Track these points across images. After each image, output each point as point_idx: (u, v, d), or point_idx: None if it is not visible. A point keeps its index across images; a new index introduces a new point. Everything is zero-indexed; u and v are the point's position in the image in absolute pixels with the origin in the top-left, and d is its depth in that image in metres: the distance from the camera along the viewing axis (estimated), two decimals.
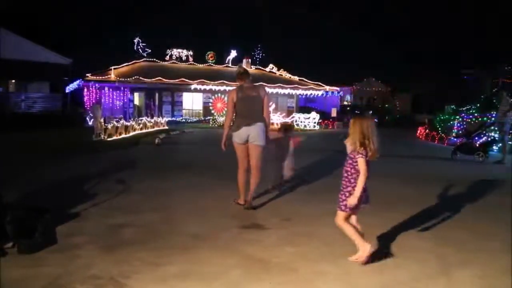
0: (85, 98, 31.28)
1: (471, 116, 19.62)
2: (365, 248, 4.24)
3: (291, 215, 5.97)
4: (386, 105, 46.27)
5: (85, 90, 31.12)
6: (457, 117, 20.66)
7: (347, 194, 4.27)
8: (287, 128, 8.54)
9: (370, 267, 4.22)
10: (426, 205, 6.90)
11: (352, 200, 4.19)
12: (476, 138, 14.84)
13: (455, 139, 18.63)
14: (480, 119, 18.56)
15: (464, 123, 19.64)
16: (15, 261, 4.18)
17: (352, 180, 4.28)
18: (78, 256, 4.35)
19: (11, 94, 31.70)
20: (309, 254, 4.56)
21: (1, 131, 19.22)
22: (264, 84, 34.52)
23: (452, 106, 25.93)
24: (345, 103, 45.63)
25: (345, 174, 4.35)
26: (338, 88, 39.42)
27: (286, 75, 39.17)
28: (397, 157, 13.21)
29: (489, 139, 14.70)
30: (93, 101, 29.07)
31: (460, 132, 19.07)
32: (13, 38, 31.45)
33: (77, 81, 30.77)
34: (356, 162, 4.25)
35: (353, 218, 4.47)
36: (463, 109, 21.66)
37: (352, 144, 4.29)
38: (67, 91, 33.51)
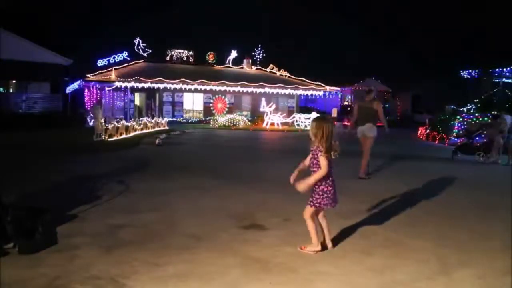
0: (86, 99, 31.30)
1: (471, 116, 19.63)
2: (314, 247, 4.62)
3: (290, 216, 5.97)
4: (387, 105, 46.23)
5: (86, 90, 31.13)
6: (458, 117, 20.66)
7: (320, 192, 4.57)
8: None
9: (370, 267, 4.23)
10: (424, 205, 6.91)
11: (302, 186, 4.52)
12: (477, 138, 14.84)
13: (455, 139, 18.64)
14: (480, 119, 18.57)
15: (465, 123, 19.65)
16: (16, 261, 4.18)
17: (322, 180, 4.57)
18: (78, 256, 4.35)
19: (12, 95, 31.71)
20: (309, 254, 4.56)
21: (2, 131, 19.23)
22: (264, 84, 34.69)
23: (452, 106, 25.94)
24: (346, 103, 45.58)
25: (313, 173, 4.61)
26: (338, 88, 39.41)
27: (286, 75, 39.18)
28: (398, 158, 13.21)
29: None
30: (94, 101, 29.10)
31: (461, 132, 19.08)
32: (14, 39, 31.46)
33: (78, 82, 30.77)
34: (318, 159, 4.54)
35: (320, 215, 4.76)
36: (464, 109, 21.66)
37: (317, 143, 4.56)
38: (67, 91, 33.51)
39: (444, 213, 6.43)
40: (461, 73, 31.23)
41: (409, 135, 23.56)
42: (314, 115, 30.85)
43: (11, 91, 32.90)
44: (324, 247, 4.69)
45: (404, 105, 45.08)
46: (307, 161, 4.68)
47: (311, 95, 38.50)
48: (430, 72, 45.20)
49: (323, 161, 4.50)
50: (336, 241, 4.98)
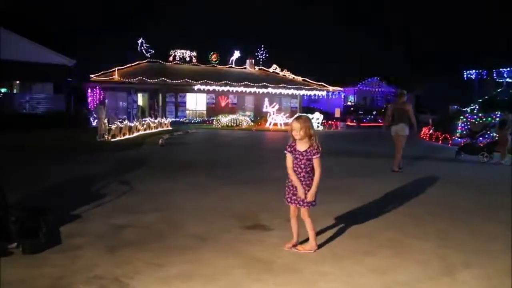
0: (89, 99, 31.36)
1: (475, 116, 19.58)
2: (313, 246, 4.64)
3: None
4: (389, 106, 46.24)
5: (89, 90, 31.19)
6: (461, 117, 20.60)
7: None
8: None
9: (373, 268, 4.22)
10: (427, 205, 6.90)
11: (312, 196, 4.56)
12: (480, 138, 14.80)
13: (459, 140, 18.59)
14: (484, 119, 18.52)
15: (468, 123, 19.59)
16: (19, 261, 4.19)
17: (312, 177, 4.59)
18: (81, 256, 4.36)
19: (16, 95, 31.79)
20: (312, 255, 4.56)
21: (6, 132, 19.30)
22: (267, 84, 34.70)
23: (455, 107, 25.88)
24: (349, 103, 45.55)
25: (307, 174, 4.57)
26: (341, 89, 39.39)
27: (289, 75, 39.19)
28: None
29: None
30: (97, 101, 29.14)
31: (464, 132, 19.03)
32: (17, 40, 31.53)
33: (81, 82, 30.85)
34: (311, 159, 4.54)
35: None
36: (467, 109, 21.61)
37: (308, 142, 4.56)
38: (70, 92, 33.58)
39: (446, 214, 6.41)
40: (464, 73, 31.17)
41: (412, 135, 23.49)
42: (317, 115, 30.88)
43: (15, 91, 32.96)
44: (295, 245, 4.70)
45: None
46: (291, 163, 4.61)
47: (314, 95, 38.52)
48: (433, 72, 45.14)
49: (319, 162, 4.54)
50: (338, 241, 4.98)
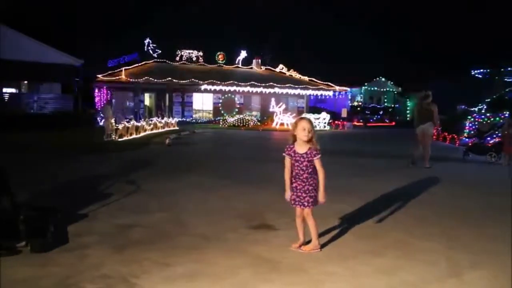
0: (96, 99, 31.50)
1: (483, 116, 19.46)
2: (316, 246, 4.64)
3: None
4: (397, 105, 46.04)
5: (96, 90, 31.33)
6: (469, 117, 20.49)
7: (315, 191, 4.59)
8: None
9: (379, 268, 4.21)
10: (433, 206, 6.87)
11: (324, 199, 4.60)
12: (488, 138, 14.71)
13: (466, 140, 18.48)
14: (492, 119, 18.40)
15: (476, 123, 19.48)
16: (28, 260, 4.23)
17: (316, 177, 4.58)
18: (89, 255, 4.39)
19: (24, 95, 31.99)
20: (318, 255, 4.55)
21: (14, 132, 19.44)
22: (274, 84, 34.70)
23: (463, 106, 25.74)
24: (356, 103, 45.43)
25: (309, 175, 4.56)
26: (348, 89, 39.31)
27: (296, 75, 39.16)
28: (408, 157, 13.16)
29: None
30: (104, 101, 29.27)
31: (472, 132, 18.91)
32: (25, 40, 31.73)
33: (88, 82, 30.99)
34: (313, 161, 4.54)
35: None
36: (475, 109, 21.48)
37: (308, 144, 4.54)
38: (78, 91, 33.75)
39: (453, 214, 6.38)
40: (473, 72, 30.97)
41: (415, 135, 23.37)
42: (324, 115, 30.83)
43: (23, 91, 33.17)
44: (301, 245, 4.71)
45: (414, 105, 44.84)
46: (289, 166, 4.61)
47: (321, 95, 38.46)
48: (441, 72, 44.90)
49: (321, 162, 4.56)
50: (344, 242, 4.97)
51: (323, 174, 4.55)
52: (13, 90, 32.56)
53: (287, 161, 4.62)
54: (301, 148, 4.55)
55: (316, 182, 4.57)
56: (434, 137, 22.01)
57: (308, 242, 4.73)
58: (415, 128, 11.50)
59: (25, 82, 33.19)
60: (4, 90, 31.36)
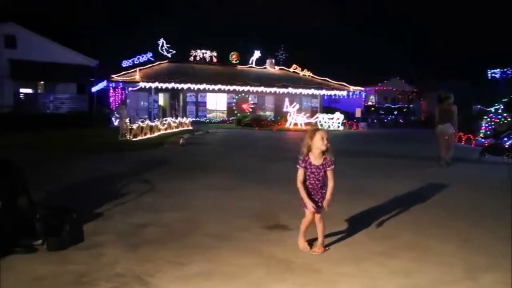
0: (111, 99, 31.76)
1: (499, 116, 19.21)
2: (322, 246, 4.66)
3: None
4: (411, 106, 45.69)
5: (111, 91, 31.59)
6: (485, 117, 20.24)
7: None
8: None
9: (393, 270, 4.18)
10: (448, 207, 6.80)
11: (329, 205, 4.60)
12: (505, 138, 14.51)
13: (483, 140, 18.26)
14: (509, 119, 18.15)
15: (492, 123, 19.24)
16: (44, 258, 4.29)
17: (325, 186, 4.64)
18: (104, 254, 4.43)
19: (40, 95, 32.40)
20: (332, 255, 4.54)
21: (30, 131, 19.69)
22: (287, 84, 34.66)
23: (479, 106, 25.45)
24: (370, 103, 45.18)
25: (323, 184, 4.60)
26: (362, 89, 39.09)
27: (310, 75, 39.06)
28: (422, 158, 13.05)
29: None
30: (119, 101, 29.50)
31: (488, 132, 18.68)
32: (42, 41, 32.17)
33: (103, 82, 31.26)
34: (327, 171, 4.58)
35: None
36: (491, 109, 21.22)
37: (324, 155, 4.57)
38: (93, 92, 34.08)
39: (468, 216, 6.31)
40: (489, 72, 30.63)
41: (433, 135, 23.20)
42: (337, 115, 30.71)
43: (39, 91, 33.58)
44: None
45: (430, 105, 44.40)
46: (302, 178, 4.58)
47: (335, 95, 38.32)
48: (456, 72, 44.47)
49: (333, 173, 4.58)
50: (358, 243, 4.95)
51: (333, 184, 4.57)
52: (29, 91, 32.98)
53: (302, 173, 4.57)
54: (316, 159, 4.54)
55: (326, 190, 4.61)
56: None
57: (312, 241, 4.77)
58: (435, 128, 11.87)
59: (42, 82, 33.60)
60: (21, 90, 31.78)
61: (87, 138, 18.09)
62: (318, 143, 4.49)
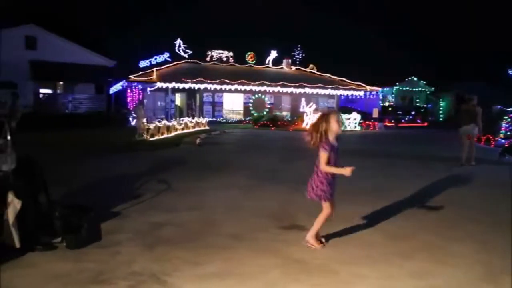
0: (128, 99, 32.02)
1: None
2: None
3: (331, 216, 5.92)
4: (429, 105, 45.18)
5: (128, 91, 31.86)
6: (505, 117, 19.94)
7: None
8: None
9: (410, 272, 4.14)
10: (466, 208, 6.71)
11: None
12: None
13: (503, 141, 17.99)
14: None
15: None
16: (63, 255, 4.35)
17: None
18: (121, 252, 4.48)
19: (59, 95, 32.82)
20: (349, 256, 4.52)
21: (49, 131, 19.96)
22: (304, 84, 34.56)
23: (499, 106, 25.08)
24: (387, 103, 44.78)
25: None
26: (379, 89, 38.79)
27: (326, 75, 38.89)
28: (440, 159, 12.91)
29: None
30: (136, 101, 29.74)
31: (508, 133, 18.40)
32: (61, 42, 32.61)
33: (121, 82, 31.53)
34: None
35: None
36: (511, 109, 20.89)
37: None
38: (111, 92, 34.40)
39: (486, 217, 6.21)
40: (509, 71, 30.13)
41: (452, 136, 22.95)
42: (354, 115, 30.52)
43: (58, 92, 34.02)
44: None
45: (448, 105, 43.88)
46: (327, 160, 4.68)
47: (351, 95, 38.11)
48: (475, 72, 43.89)
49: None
50: (374, 244, 4.92)
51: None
52: (49, 91, 33.43)
53: (327, 157, 4.61)
54: (333, 140, 4.68)
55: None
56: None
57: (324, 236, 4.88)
58: (459, 128, 11.99)
59: (61, 83, 34.04)
60: (41, 91, 32.24)
61: (104, 138, 18.26)
62: (335, 126, 4.62)
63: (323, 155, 4.59)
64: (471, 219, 6.12)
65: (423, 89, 45.88)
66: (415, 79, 45.50)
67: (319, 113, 4.97)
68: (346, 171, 4.52)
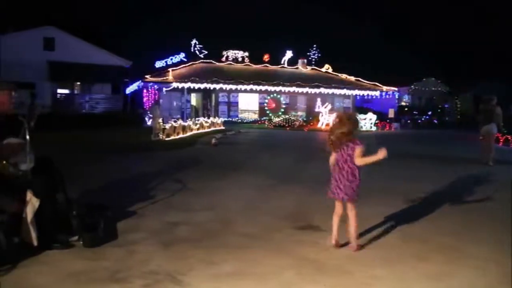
0: (144, 99, 32.24)
1: None
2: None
3: (347, 217, 5.88)
4: (446, 106, 44.68)
5: (144, 91, 32.08)
6: None
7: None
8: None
9: (426, 273, 4.10)
10: (483, 210, 6.62)
11: None
12: None
13: None
14: None
15: None
16: (80, 254, 4.39)
17: None
18: (137, 251, 4.51)
19: (76, 96, 33.18)
20: (364, 257, 4.49)
21: (67, 130, 20.19)
22: (319, 84, 34.44)
23: None
24: (403, 103, 44.41)
25: None
26: (395, 89, 38.47)
27: (342, 75, 38.70)
28: (457, 160, 12.76)
29: None
30: (152, 102, 29.93)
31: None
32: (78, 43, 32.98)
33: (137, 82, 31.74)
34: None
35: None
36: None
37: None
38: (127, 92, 34.66)
39: (505, 219, 6.11)
40: None
41: (470, 136, 22.70)
42: (370, 115, 30.32)
43: (75, 92, 34.40)
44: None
45: (465, 106, 43.33)
46: None
47: (367, 95, 37.87)
48: (492, 71, 43.31)
49: None
50: (390, 245, 4.88)
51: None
52: (66, 91, 33.82)
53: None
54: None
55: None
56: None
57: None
58: (479, 128, 12.19)
59: (78, 83, 34.41)
60: (59, 91, 32.63)
61: (121, 138, 18.41)
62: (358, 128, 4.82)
63: (360, 150, 4.66)
64: (488, 220, 6.05)
65: (440, 89, 45.40)
66: (432, 78, 45.06)
67: (335, 113, 5.01)
68: (381, 154, 4.58)
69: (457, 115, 43.06)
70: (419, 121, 37.68)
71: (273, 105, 35.26)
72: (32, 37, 31.27)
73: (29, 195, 4.24)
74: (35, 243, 4.23)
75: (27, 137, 4.30)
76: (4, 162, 4.27)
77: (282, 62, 39.01)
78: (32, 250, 4.27)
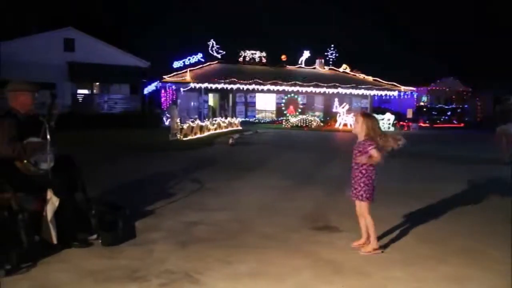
0: (162, 99, 32.44)
1: None
2: (374, 245, 4.62)
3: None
4: (466, 106, 44.06)
5: (162, 91, 32.28)
6: None
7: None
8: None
9: (445, 276, 4.06)
10: (503, 212, 6.52)
11: None
12: None
13: None
14: None
15: None
16: (99, 252, 4.45)
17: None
18: (155, 250, 4.55)
19: (95, 96, 33.53)
20: (381, 259, 4.46)
21: (86, 130, 20.45)
22: (337, 84, 34.29)
23: None
24: (422, 103, 43.91)
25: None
26: (414, 89, 38.09)
27: (360, 75, 38.46)
28: (477, 161, 12.59)
29: None
30: (170, 102, 30.08)
31: None
32: (97, 43, 33.35)
33: (155, 83, 31.96)
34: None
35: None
36: None
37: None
38: (145, 92, 34.91)
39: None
40: None
41: (490, 137, 22.34)
42: (388, 116, 30.08)
43: (94, 92, 34.77)
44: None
45: (485, 106, 42.65)
46: None
47: (385, 95, 37.57)
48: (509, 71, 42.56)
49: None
50: (408, 246, 4.84)
51: None
52: (85, 91, 34.22)
53: None
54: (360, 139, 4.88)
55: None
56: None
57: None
58: (497, 128, 12.63)
59: (97, 83, 34.79)
60: (78, 91, 33.03)
61: (139, 138, 18.56)
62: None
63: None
64: (508, 222, 5.94)
65: (460, 89, 44.78)
66: (451, 78, 44.46)
67: (353, 114, 5.02)
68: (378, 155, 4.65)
69: (477, 115, 42.42)
70: (438, 121, 37.23)
71: (292, 107, 35.17)
72: (53, 38, 31.72)
73: (49, 194, 4.31)
74: (55, 241, 4.30)
75: (48, 136, 4.36)
76: (25, 161, 4.34)
77: (299, 62, 38.92)
78: (52, 248, 4.34)
